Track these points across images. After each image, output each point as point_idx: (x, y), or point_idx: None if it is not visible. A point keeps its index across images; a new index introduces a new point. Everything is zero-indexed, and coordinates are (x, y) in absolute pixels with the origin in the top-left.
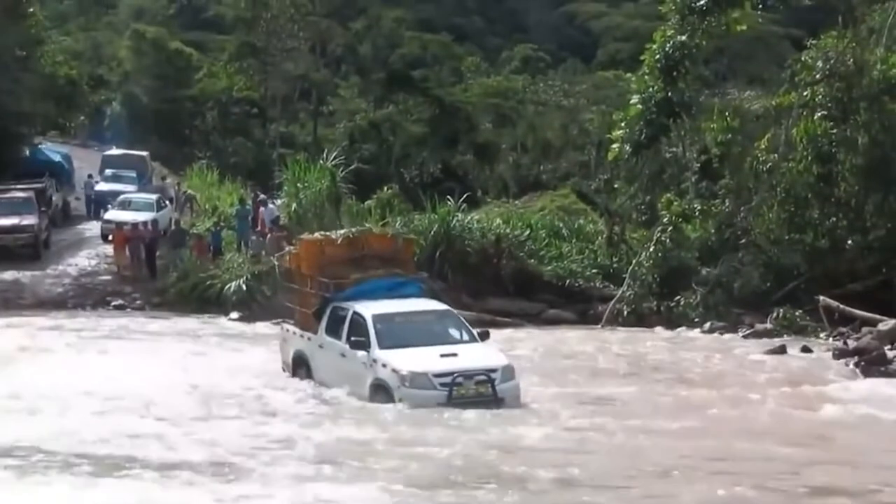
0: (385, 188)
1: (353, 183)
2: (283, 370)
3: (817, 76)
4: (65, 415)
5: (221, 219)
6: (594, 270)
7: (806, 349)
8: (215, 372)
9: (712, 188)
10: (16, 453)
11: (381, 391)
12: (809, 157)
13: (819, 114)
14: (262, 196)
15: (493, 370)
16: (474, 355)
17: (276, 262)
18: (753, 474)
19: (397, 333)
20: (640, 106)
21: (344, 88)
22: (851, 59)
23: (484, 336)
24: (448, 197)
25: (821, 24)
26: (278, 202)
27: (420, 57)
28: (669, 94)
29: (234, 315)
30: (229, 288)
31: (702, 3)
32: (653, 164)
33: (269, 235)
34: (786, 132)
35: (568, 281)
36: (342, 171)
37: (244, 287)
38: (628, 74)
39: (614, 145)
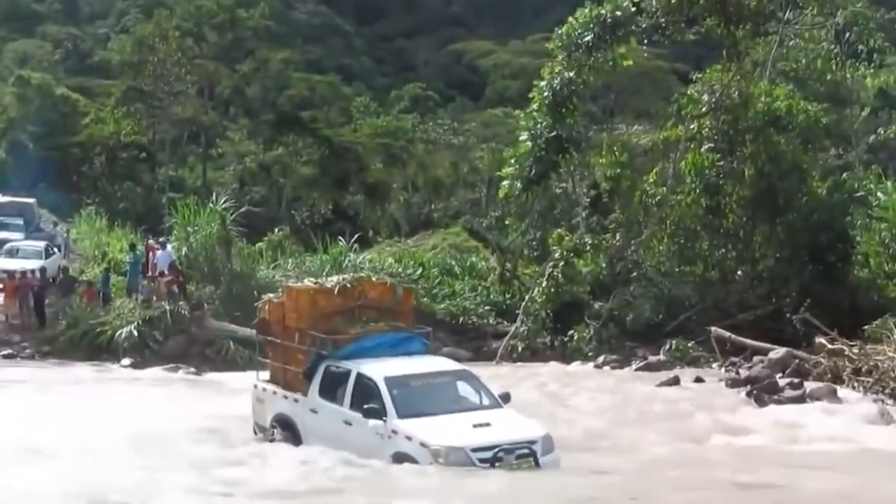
0: (276, 230)
1: (243, 226)
2: (256, 433)
3: (703, 109)
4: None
5: (111, 265)
6: (487, 307)
7: (699, 380)
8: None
9: (603, 222)
10: None
11: None
12: (697, 190)
13: (706, 146)
14: (159, 239)
15: (534, 442)
16: (509, 425)
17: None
18: None
19: (416, 399)
20: (529, 143)
21: (233, 131)
22: (736, 92)
23: (506, 398)
24: (339, 237)
25: (706, 59)
26: (168, 247)
27: (308, 98)
28: (558, 130)
29: (126, 361)
30: (120, 334)
31: (588, 39)
32: (543, 200)
33: (159, 280)
34: (674, 165)
35: (461, 318)
36: (232, 214)
37: (135, 333)
38: (517, 111)
39: (504, 182)
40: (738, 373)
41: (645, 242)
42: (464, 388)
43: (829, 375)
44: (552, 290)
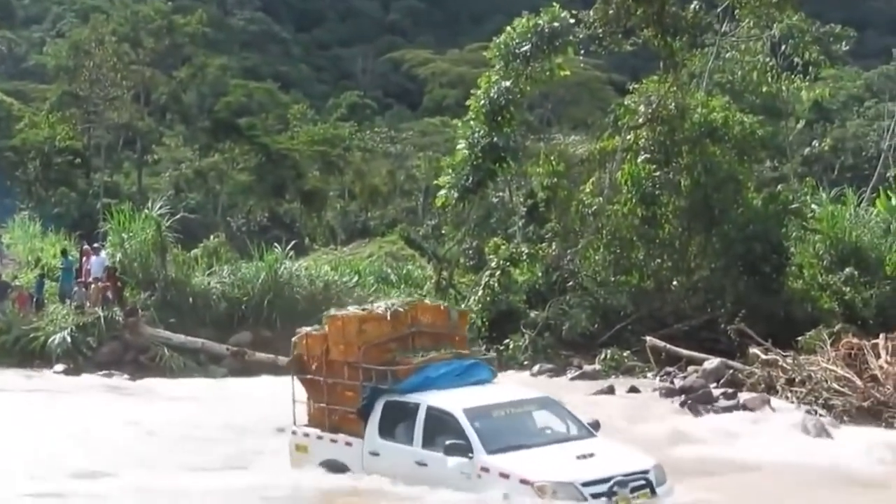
0: (212, 237)
1: (179, 232)
2: None
3: (640, 120)
4: None
5: (45, 270)
6: None
7: (634, 389)
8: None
9: (539, 232)
10: None
11: None
12: (634, 200)
13: (642, 157)
14: (94, 245)
15: (647, 472)
16: (616, 455)
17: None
18: None
19: (503, 432)
20: (466, 151)
21: (169, 137)
22: (673, 104)
23: (595, 427)
24: (275, 245)
25: (642, 70)
26: (102, 253)
27: (245, 105)
28: (495, 139)
29: (59, 368)
30: (53, 340)
31: (525, 49)
32: (480, 209)
33: (93, 286)
34: (610, 175)
35: None
36: (168, 221)
37: (68, 339)
38: (454, 120)
39: (441, 191)
40: (672, 382)
41: (581, 252)
42: (548, 418)
43: (763, 386)
44: (488, 298)
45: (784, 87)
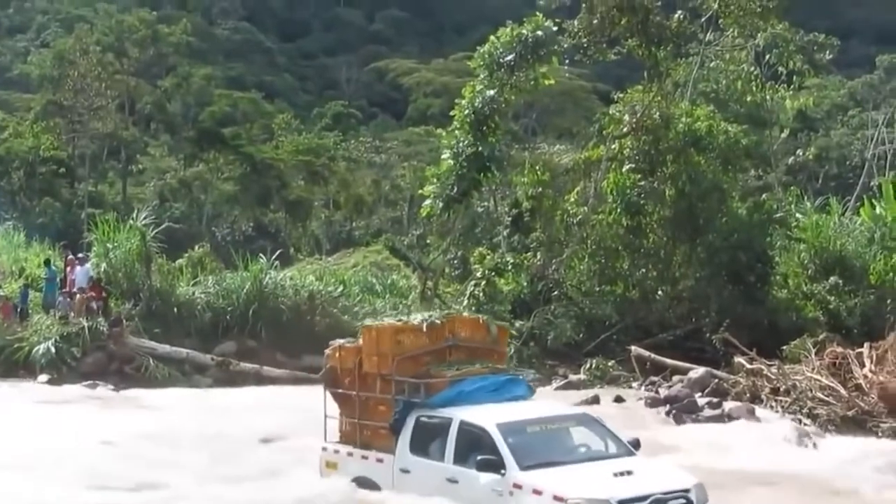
0: (196, 247)
1: (163, 242)
2: None
3: (625, 129)
4: None
5: (30, 280)
6: None
7: (619, 399)
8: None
9: (524, 241)
10: None
11: None
12: (618, 210)
13: (627, 166)
14: (78, 255)
15: (688, 490)
16: (655, 472)
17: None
18: None
19: (537, 448)
20: (451, 161)
21: (153, 147)
22: (657, 113)
23: (636, 445)
24: (260, 255)
25: (627, 79)
26: (87, 263)
27: (230, 114)
28: (480, 148)
29: (43, 378)
30: (37, 350)
31: (509, 58)
32: (465, 219)
33: (77, 296)
34: (595, 185)
35: None
36: (152, 231)
37: (52, 349)
38: (439, 130)
39: (426, 201)
40: (657, 392)
41: (566, 262)
42: (586, 435)
43: (748, 395)
44: (473, 308)
45: (768, 97)
